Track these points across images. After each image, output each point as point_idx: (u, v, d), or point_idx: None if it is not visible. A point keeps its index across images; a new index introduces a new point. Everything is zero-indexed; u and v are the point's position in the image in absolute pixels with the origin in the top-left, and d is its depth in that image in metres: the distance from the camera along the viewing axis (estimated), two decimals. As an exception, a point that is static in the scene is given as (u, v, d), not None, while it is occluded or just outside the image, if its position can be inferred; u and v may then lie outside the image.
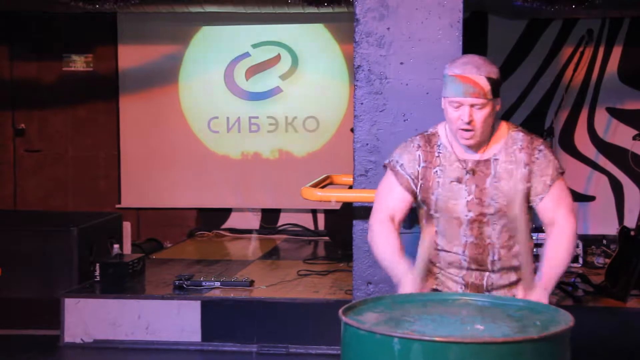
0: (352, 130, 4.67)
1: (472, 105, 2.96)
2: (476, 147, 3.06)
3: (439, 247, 3.14)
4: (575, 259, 6.65)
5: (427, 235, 3.09)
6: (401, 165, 3.15)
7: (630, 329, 5.38)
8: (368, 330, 2.42)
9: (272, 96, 8.66)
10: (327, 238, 8.38)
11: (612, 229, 7.10)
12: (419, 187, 3.11)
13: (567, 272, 6.38)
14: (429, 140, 3.15)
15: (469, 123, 2.97)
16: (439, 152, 3.11)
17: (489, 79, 2.96)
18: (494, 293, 3.10)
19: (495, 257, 3.08)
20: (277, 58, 8.63)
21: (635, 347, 5.32)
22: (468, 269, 3.10)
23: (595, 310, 5.50)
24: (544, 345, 2.35)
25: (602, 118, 7.99)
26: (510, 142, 3.08)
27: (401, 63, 4.53)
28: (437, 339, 2.34)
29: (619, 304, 5.52)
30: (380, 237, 3.14)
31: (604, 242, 7.42)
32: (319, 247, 8.19)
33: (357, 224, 4.62)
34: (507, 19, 7.95)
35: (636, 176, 7.74)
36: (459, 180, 3.05)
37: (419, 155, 3.12)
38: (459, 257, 3.10)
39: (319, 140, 8.63)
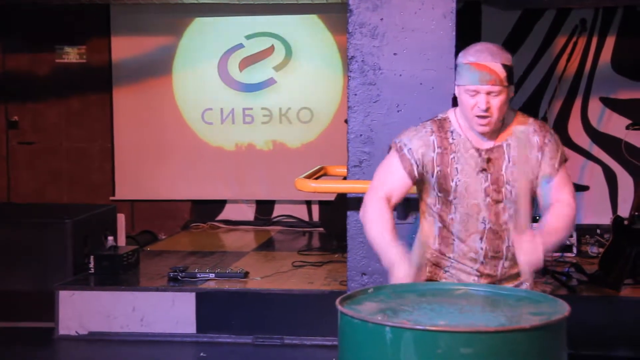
0: (346, 121, 4.68)
1: (488, 93, 2.94)
2: (490, 135, 3.04)
3: (454, 237, 3.09)
4: (569, 249, 6.67)
5: (427, 225, 3.09)
6: (409, 149, 3.08)
7: (624, 318, 5.40)
8: (361, 319, 2.43)
9: (266, 87, 8.65)
10: (321, 229, 8.39)
11: (606, 219, 7.12)
12: (435, 174, 3.05)
13: (561, 262, 6.40)
14: (442, 125, 3.10)
15: (486, 110, 2.95)
16: (453, 139, 3.07)
17: (505, 66, 2.95)
18: (504, 284, 3.09)
19: (510, 243, 3.05)
20: (271, 49, 8.61)
21: (629, 335, 5.34)
22: (484, 258, 3.08)
23: (589, 299, 5.52)
24: (537, 335, 2.36)
25: (595, 108, 8.00)
26: (522, 127, 3.08)
27: (395, 54, 4.53)
28: (428, 328, 2.34)
29: (613, 293, 5.53)
30: (374, 215, 3.08)
31: (598, 231, 7.44)
32: (314, 238, 8.20)
33: (351, 215, 4.62)
34: (501, 9, 7.95)
35: (630, 166, 7.75)
36: (475, 167, 3.03)
37: (434, 140, 3.07)
38: (477, 246, 3.07)
39: (313, 132, 8.62)
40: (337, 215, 6.59)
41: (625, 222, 5.88)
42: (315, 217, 8.72)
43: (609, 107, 7.98)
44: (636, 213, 5.87)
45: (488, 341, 2.30)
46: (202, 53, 8.64)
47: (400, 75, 4.53)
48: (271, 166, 8.62)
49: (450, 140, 3.07)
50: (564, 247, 6.65)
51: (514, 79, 3.02)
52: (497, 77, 2.93)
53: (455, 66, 3.04)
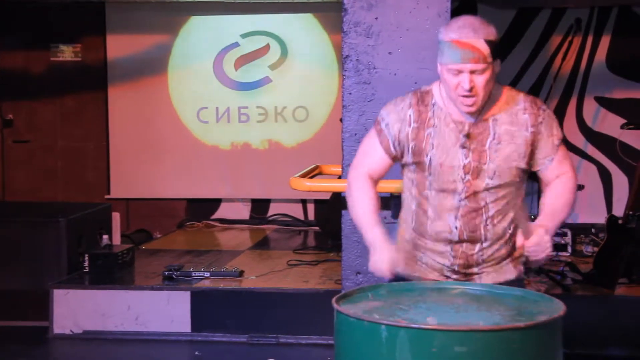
0: (341, 120, 4.68)
1: (472, 72, 2.79)
2: (476, 113, 2.91)
3: (429, 214, 2.96)
4: (564, 248, 6.69)
5: (407, 204, 3.03)
6: (386, 124, 2.99)
7: (619, 317, 5.41)
8: (357, 317, 2.43)
9: (262, 86, 8.65)
10: (317, 228, 8.39)
11: (600, 218, 7.12)
12: (409, 149, 2.95)
13: (556, 261, 6.41)
14: (422, 98, 2.98)
15: (471, 90, 2.81)
16: (433, 112, 2.94)
17: (488, 42, 2.79)
18: (484, 267, 2.97)
19: (489, 225, 2.93)
20: (266, 48, 8.61)
21: (623, 334, 5.35)
22: (459, 238, 2.93)
23: (583, 298, 5.53)
24: (532, 334, 2.36)
25: (590, 107, 8.01)
26: (511, 104, 2.94)
27: (389, 53, 4.53)
28: (422, 326, 2.34)
29: (608, 292, 5.55)
30: (358, 194, 3.03)
31: (593, 230, 7.45)
32: (309, 237, 8.20)
33: (346, 214, 4.62)
34: (496, 8, 7.95)
35: (624, 165, 7.76)
36: (456, 142, 2.90)
37: (410, 115, 2.96)
38: (451, 225, 2.93)
39: (309, 130, 8.62)
40: (332, 214, 6.59)
41: (620, 222, 5.89)
42: (311, 216, 8.72)
43: (604, 106, 7.99)
44: (630, 212, 5.88)
45: (482, 340, 2.30)
46: (198, 52, 8.63)
47: (395, 74, 4.53)
48: (266, 165, 8.62)
49: (430, 114, 2.94)
50: (559, 247, 6.66)
51: (498, 53, 2.86)
52: (481, 55, 2.78)
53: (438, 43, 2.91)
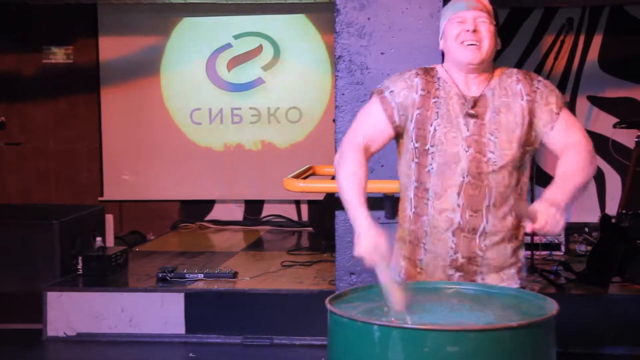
0: (334, 120, 4.68)
1: (475, 19, 2.84)
2: (477, 82, 2.88)
3: (430, 194, 2.86)
4: (557, 247, 6.70)
5: (404, 196, 2.94)
6: (391, 92, 2.90)
7: (612, 316, 5.42)
8: (350, 317, 2.43)
9: (254, 87, 8.65)
10: (310, 229, 8.39)
11: (594, 217, 7.13)
12: (414, 117, 2.88)
13: (550, 260, 6.43)
14: (428, 71, 2.94)
15: (474, 32, 2.82)
16: (438, 84, 2.90)
17: (490, 2, 2.91)
18: (487, 270, 2.89)
19: (492, 208, 2.84)
20: (259, 49, 8.61)
21: (616, 333, 5.36)
22: (460, 221, 2.83)
23: (577, 297, 5.54)
24: (525, 333, 2.36)
25: (583, 106, 8.03)
26: (504, 77, 2.93)
27: (382, 53, 4.53)
28: (414, 326, 2.34)
29: (601, 291, 5.55)
30: (348, 167, 2.85)
31: (586, 229, 7.47)
32: (303, 238, 8.20)
33: (339, 215, 4.62)
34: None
35: (617, 164, 7.77)
36: (459, 114, 2.86)
37: (417, 82, 2.90)
38: (453, 202, 2.83)
39: (302, 131, 8.62)
40: (326, 214, 6.59)
41: (613, 220, 5.90)
42: (304, 216, 8.73)
43: (596, 105, 8.01)
44: (624, 211, 5.89)
45: (475, 340, 2.30)
46: (190, 53, 8.63)
47: (388, 74, 4.46)
48: (260, 166, 8.61)
49: (436, 85, 2.90)
50: (553, 246, 6.68)
51: (497, 24, 2.91)
52: (484, 6, 2.87)
53: (439, 19, 2.96)
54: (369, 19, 4.53)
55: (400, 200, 3.03)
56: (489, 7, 2.88)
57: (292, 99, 8.60)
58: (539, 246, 6.58)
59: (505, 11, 8.02)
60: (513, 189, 2.87)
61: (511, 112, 2.86)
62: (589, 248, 6.40)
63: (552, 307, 2.53)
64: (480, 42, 2.83)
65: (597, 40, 7.98)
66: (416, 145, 2.88)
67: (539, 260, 6.36)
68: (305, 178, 5.06)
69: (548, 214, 2.63)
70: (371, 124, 2.93)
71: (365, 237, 2.69)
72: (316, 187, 5.17)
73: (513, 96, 2.88)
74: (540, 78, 2.94)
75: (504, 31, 7.96)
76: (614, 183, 7.95)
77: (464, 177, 2.83)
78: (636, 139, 6.09)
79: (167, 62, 8.65)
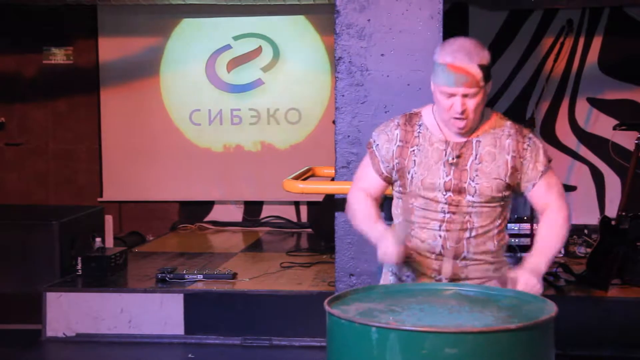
0: (334, 122, 4.68)
1: (464, 95, 2.88)
2: (467, 134, 3.00)
3: (414, 227, 3.05)
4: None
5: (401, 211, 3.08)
6: (377, 145, 3.11)
7: (612, 318, 5.41)
8: (348, 319, 2.43)
9: (254, 88, 8.65)
10: (310, 230, 8.39)
11: (593, 219, 7.13)
12: (394, 167, 3.06)
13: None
14: (410, 119, 3.09)
15: (462, 112, 2.90)
16: (419, 132, 3.04)
17: (481, 67, 2.86)
18: (470, 266, 3.03)
19: (472, 240, 3.00)
20: (259, 50, 8.61)
21: (616, 335, 5.36)
22: (442, 249, 3.01)
23: (577, 299, 5.53)
24: (523, 335, 2.36)
25: (582, 108, 8.03)
26: (497, 129, 3.03)
27: (382, 55, 4.54)
28: (412, 328, 2.34)
29: (601, 293, 5.55)
30: (356, 206, 3.13)
31: (586, 231, 7.46)
32: (302, 239, 8.19)
33: (339, 216, 4.62)
34: (488, 10, 7.97)
35: (617, 166, 7.78)
36: (438, 160, 2.99)
37: (397, 134, 3.07)
38: (435, 234, 3.02)
39: (301, 132, 8.62)
40: (325, 216, 6.59)
41: (613, 222, 5.90)
42: (304, 218, 8.72)
43: (596, 107, 8.01)
44: (623, 213, 5.89)
45: (473, 342, 2.30)
46: (190, 54, 8.63)
47: (388, 76, 4.53)
48: (259, 167, 8.61)
49: (415, 134, 3.05)
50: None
51: (490, 75, 2.94)
52: (474, 79, 2.86)
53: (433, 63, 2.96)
54: (369, 20, 4.53)
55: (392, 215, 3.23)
56: (478, 76, 2.87)
57: (292, 100, 8.60)
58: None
59: (504, 13, 8.02)
60: (494, 221, 3.04)
61: (495, 162, 3.00)
62: (589, 250, 6.39)
63: (551, 309, 2.53)
64: (468, 118, 2.93)
65: (596, 42, 7.98)
66: (399, 189, 3.10)
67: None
68: (304, 179, 5.06)
69: (527, 283, 2.83)
70: (367, 177, 3.16)
71: (385, 241, 2.91)
72: (316, 189, 5.18)
73: (500, 149, 3.01)
74: (531, 136, 3.06)
75: (504, 33, 8.01)
76: (613, 185, 7.95)
77: (444, 214, 3.00)
78: (636, 141, 6.09)
79: (166, 63, 8.65)
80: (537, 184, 3.03)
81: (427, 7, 4.49)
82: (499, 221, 3.05)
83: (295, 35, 8.56)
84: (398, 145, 3.06)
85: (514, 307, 2.62)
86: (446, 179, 2.98)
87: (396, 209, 3.16)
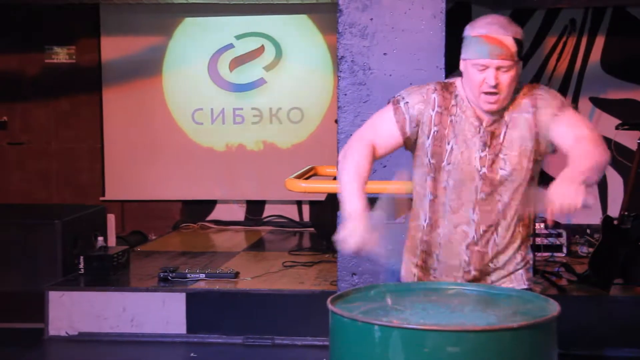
0: (336, 121, 4.68)
1: (498, 68, 2.76)
2: (497, 113, 2.87)
3: (446, 207, 2.89)
4: (559, 248, 6.69)
5: (417, 202, 2.94)
6: (406, 102, 2.91)
7: (613, 318, 5.41)
8: (351, 317, 2.43)
9: (256, 87, 8.65)
10: (312, 229, 8.38)
11: (595, 219, 7.12)
12: (431, 135, 2.88)
13: (552, 262, 6.41)
14: (447, 87, 2.92)
15: (495, 87, 2.77)
16: (455, 101, 2.89)
17: (516, 40, 2.76)
18: (501, 278, 2.94)
19: (504, 216, 2.88)
20: (261, 49, 8.61)
21: (617, 335, 5.36)
22: (475, 233, 2.88)
23: (579, 299, 5.53)
24: (525, 334, 2.36)
25: (585, 108, 8.02)
26: (525, 99, 2.89)
27: (384, 54, 4.54)
28: (415, 326, 2.34)
29: (603, 292, 5.55)
30: (352, 160, 2.87)
31: (588, 231, 7.46)
32: (304, 239, 8.20)
33: (341, 215, 4.61)
34: (490, 9, 7.96)
35: (619, 166, 7.76)
36: (474, 134, 2.86)
37: (435, 98, 2.89)
38: (469, 217, 2.87)
39: (304, 132, 8.62)
40: (328, 215, 6.58)
41: (615, 222, 5.89)
42: (306, 217, 8.72)
43: (598, 107, 8.00)
44: (626, 213, 5.88)
45: (475, 340, 2.30)
46: (192, 53, 8.63)
47: (390, 75, 4.53)
48: (261, 166, 8.62)
49: (453, 102, 2.89)
50: (554, 247, 6.67)
51: (523, 53, 2.83)
52: (509, 51, 2.75)
53: (461, 40, 2.85)
54: (371, 19, 4.53)
55: (412, 208, 3.05)
56: (513, 49, 2.77)
57: (294, 100, 8.60)
58: (540, 247, 6.57)
59: (507, 12, 8.02)
60: (522, 204, 2.89)
61: (520, 127, 2.87)
62: (591, 250, 6.38)
63: (553, 308, 2.53)
64: (500, 93, 2.81)
65: (599, 42, 7.98)
66: (432, 161, 2.90)
67: (541, 262, 6.36)
68: (307, 178, 5.06)
69: (563, 190, 2.61)
70: (382, 129, 2.95)
71: (354, 226, 2.71)
72: (318, 188, 5.17)
73: (519, 111, 2.88)
74: (542, 87, 2.94)
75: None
76: (616, 185, 7.94)
77: (477, 194, 2.87)
78: (638, 140, 6.09)
79: (169, 62, 8.65)
80: (560, 123, 2.85)
81: (429, 6, 4.48)
82: (526, 206, 2.89)
83: (298, 35, 8.56)
84: (437, 111, 2.89)
85: (516, 306, 2.62)
86: (482, 154, 2.86)
87: (422, 189, 2.95)
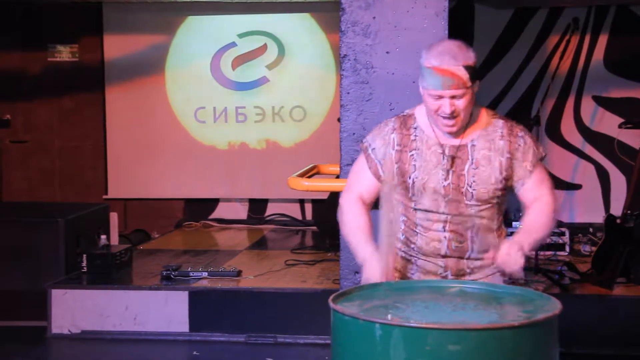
0: (339, 120, 4.67)
1: (452, 97, 2.92)
2: (457, 133, 3.03)
3: (418, 231, 3.07)
4: (562, 247, 6.69)
5: (389, 212, 3.05)
6: (373, 149, 3.12)
7: (616, 316, 5.41)
8: (352, 316, 2.44)
9: (259, 86, 8.65)
10: (314, 228, 8.39)
11: (598, 217, 7.12)
12: (395, 171, 3.06)
13: (554, 260, 6.41)
14: (405, 122, 3.11)
15: (451, 113, 2.93)
16: (415, 136, 3.07)
17: (467, 67, 2.90)
18: (475, 274, 3.08)
19: (475, 237, 3.04)
20: (264, 48, 8.61)
21: (620, 333, 5.35)
22: (448, 248, 3.04)
23: (581, 297, 5.53)
24: (526, 332, 2.36)
25: (588, 106, 8.01)
26: (490, 130, 3.06)
27: (387, 52, 4.53)
28: (416, 325, 2.35)
29: (605, 291, 5.55)
30: (348, 215, 3.14)
31: (591, 230, 7.45)
32: (307, 237, 8.20)
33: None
34: (493, 8, 7.96)
35: (622, 164, 7.76)
36: (437, 164, 3.02)
37: (393, 138, 3.09)
38: (440, 235, 3.04)
39: (306, 130, 8.62)
40: (330, 213, 6.58)
41: (618, 221, 5.89)
42: (309, 215, 8.72)
43: (601, 105, 7.99)
44: (628, 212, 5.88)
45: (476, 338, 2.30)
46: (195, 52, 8.63)
47: (393, 73, 4.53)
48: (264, 165, 8.62)
49: (412, 137, 3.07)
50: (557, 246, 6.67)
51: (477, 75, 2.96)
52: (460, 80, 2.89)
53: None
54: (374, 18, 4.52)
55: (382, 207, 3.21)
56: (465, 77, 2.90)
57: (297, 98, 8.60)
58: (543, 246, 6.57)
59: (510, 11, 8.01)
60: (493, 218, 3.09)
61: (491, 166, 3.03)
62: (594, 248, 6.38)
63: (555, 306, 2.53)
64: (457, 117, 2.97)
65: (602, 40, 7.97)
66: (401, 191, 3.09)
67: (543, 261, 6.36)
68: (309, 177, 5.06)
69: (509, 253, 2.89)
70: (362, 178, 3.17)
71: (372, 267, 2.95)
72: (321, 186, 5.18)
73: (495, 151, 3.04)
74: (522, 134, 3.09)
75: (510, 31, 8.00)
76: (618, 183, 7.93)
77: (446, 215, 3.03)
78: (641, 139, 6.08)
79: (171, 61, 8.65)
80: (527, 183, 3.06)
81: (432, 5, 4.48)
82: (497, 216, 3.10)
83: (301, 33, 8.56)
84: (397, 150, 3.08)
85: (518, 304, 2.62)
86: (445, 183, 3.01)
87: (397, 212, 3.16)
